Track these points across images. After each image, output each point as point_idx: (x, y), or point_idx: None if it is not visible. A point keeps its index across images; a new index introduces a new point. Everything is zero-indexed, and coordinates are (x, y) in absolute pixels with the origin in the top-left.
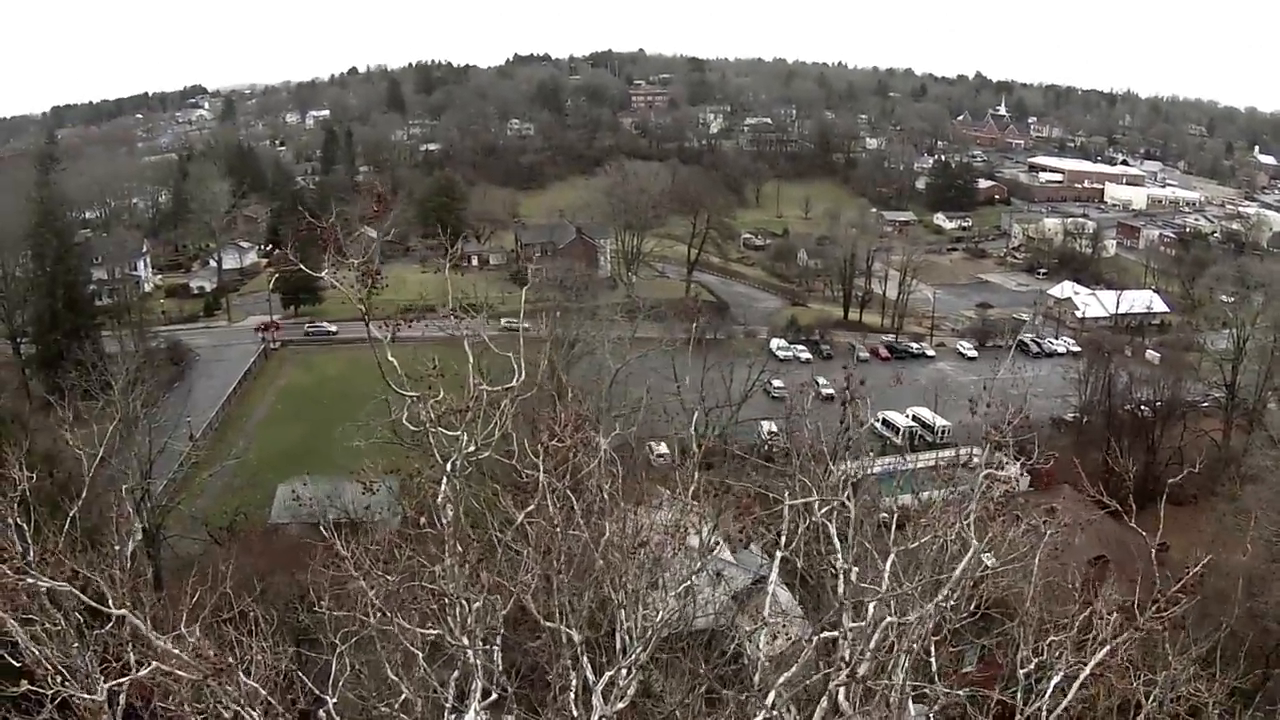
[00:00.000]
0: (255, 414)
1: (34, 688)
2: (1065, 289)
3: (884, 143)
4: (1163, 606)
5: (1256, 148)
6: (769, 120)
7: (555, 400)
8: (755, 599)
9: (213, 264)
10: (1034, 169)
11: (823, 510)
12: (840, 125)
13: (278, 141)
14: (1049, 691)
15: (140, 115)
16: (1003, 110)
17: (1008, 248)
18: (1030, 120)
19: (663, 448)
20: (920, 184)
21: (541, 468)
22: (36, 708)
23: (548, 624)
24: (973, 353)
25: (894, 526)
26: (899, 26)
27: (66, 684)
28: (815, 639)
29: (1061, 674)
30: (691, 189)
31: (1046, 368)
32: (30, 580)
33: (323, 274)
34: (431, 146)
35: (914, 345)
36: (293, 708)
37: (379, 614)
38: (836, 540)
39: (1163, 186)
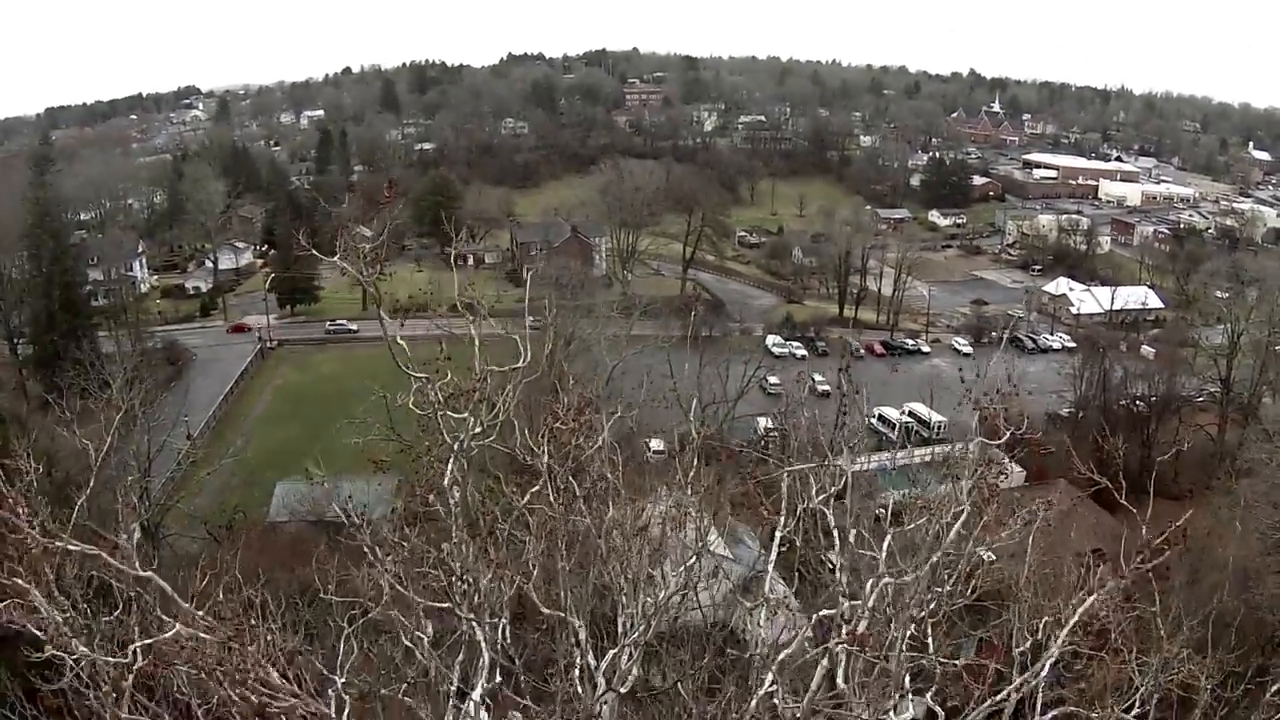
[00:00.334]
0: (253, 412)
1: (58, 653)
2: (1060, 285)
3: (878, 140)
4: (1147, 557)
5: (1250, 144)
6: (763, 118)
7: (557, 387)
8: (754, 588)
9: (208, 264)
10: (1028, 166)
11: (820, 497)
12: (834, 123)
13: (272, 142)
14: (1044, 669)
15: (134, 116)
16: (997, 107)
17: (1002, 244)
18: (1024, 117)
19: (659, 444)
20: (915, 181)
21: (545, 450)
22: (57, 675)
23: (550, 611)
24: (968, 349)
25: (889, 515)
26: (893, 25)
27: (90, 649)
28: (814, 616)
29: (1056, 652)
30: (686, 187)
31: (1041, 364)
32: (59, 544)
33: (334, 257)
34: (426, 146)
35: (909, 342)
36: (306, 683)
37: (387, 595)
38: (832, 517)
39: (1157, 183)
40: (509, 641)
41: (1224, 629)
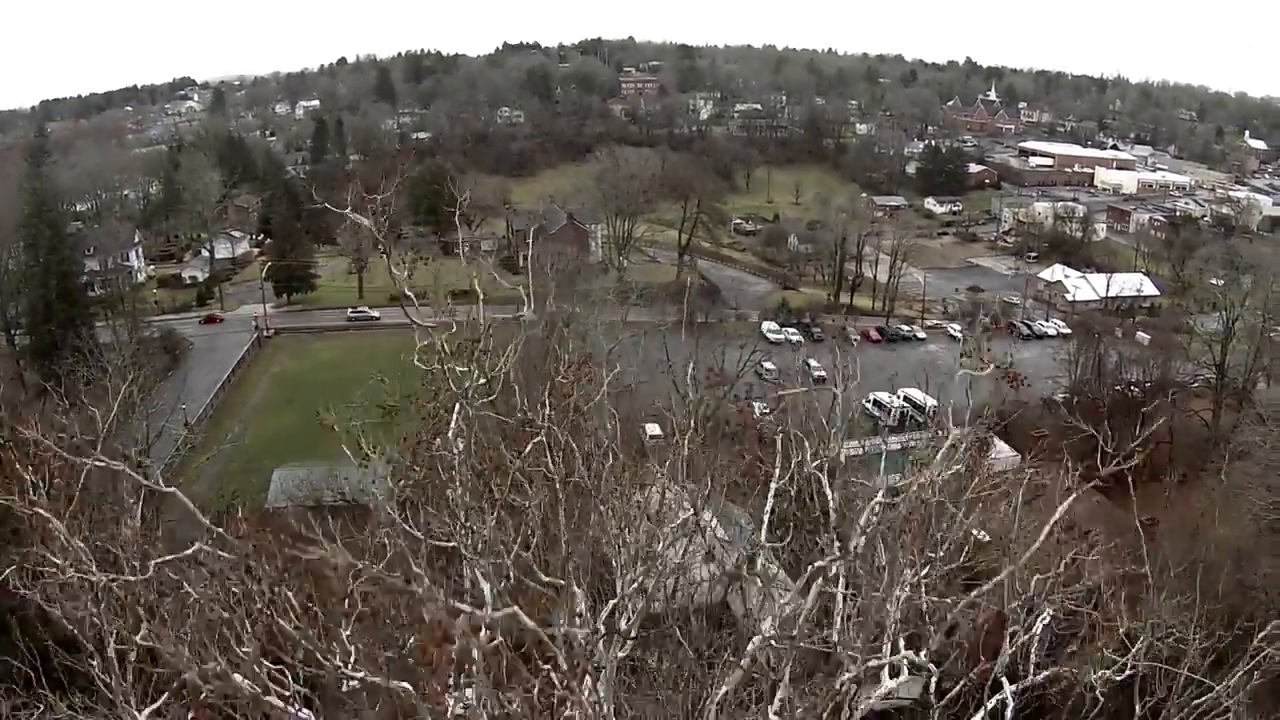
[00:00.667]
0: (251, 400)
1: (82, 574)
2: (1056, 272)
3: (874, 128)
4: (1120, 461)
5: (1246, 132)
6: (759, 106)
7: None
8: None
9: (205, 254)
10: (1024, 154)
11: (814, 462)
12: (830, 111)
13: (268, 132)
14: (1037, 628)
15: (129, 107)
16: (993, 96)
17: (998, 232)
18: (1020, 105)
19: (655, 429)
20: (910, 169)
21: (546, 404)
22: (73, 649)
23: (549, 579)
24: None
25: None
26: (889, 13)
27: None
28: (809, 569)
29: (1049, 612)
30: (682, 175)
31: (1037, 349)
32: (91, 461)
33: (345, 211)
34: (422, 135)
35: (905, 328)
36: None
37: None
38: (828, 484)
39: (1153, 171)
40: (512, 581)
41: (1214, 600)
